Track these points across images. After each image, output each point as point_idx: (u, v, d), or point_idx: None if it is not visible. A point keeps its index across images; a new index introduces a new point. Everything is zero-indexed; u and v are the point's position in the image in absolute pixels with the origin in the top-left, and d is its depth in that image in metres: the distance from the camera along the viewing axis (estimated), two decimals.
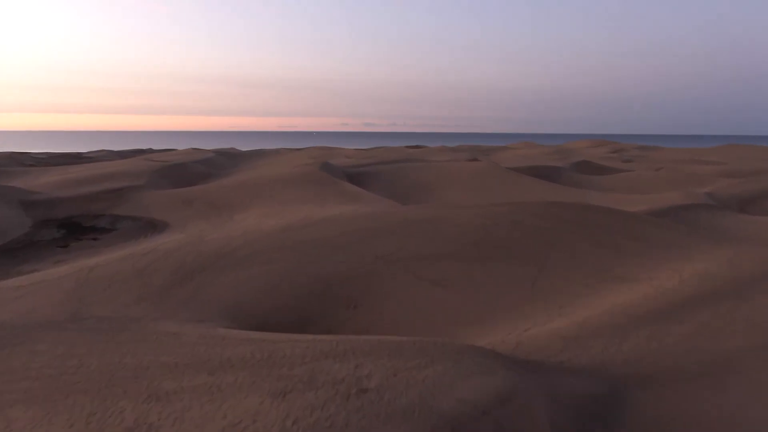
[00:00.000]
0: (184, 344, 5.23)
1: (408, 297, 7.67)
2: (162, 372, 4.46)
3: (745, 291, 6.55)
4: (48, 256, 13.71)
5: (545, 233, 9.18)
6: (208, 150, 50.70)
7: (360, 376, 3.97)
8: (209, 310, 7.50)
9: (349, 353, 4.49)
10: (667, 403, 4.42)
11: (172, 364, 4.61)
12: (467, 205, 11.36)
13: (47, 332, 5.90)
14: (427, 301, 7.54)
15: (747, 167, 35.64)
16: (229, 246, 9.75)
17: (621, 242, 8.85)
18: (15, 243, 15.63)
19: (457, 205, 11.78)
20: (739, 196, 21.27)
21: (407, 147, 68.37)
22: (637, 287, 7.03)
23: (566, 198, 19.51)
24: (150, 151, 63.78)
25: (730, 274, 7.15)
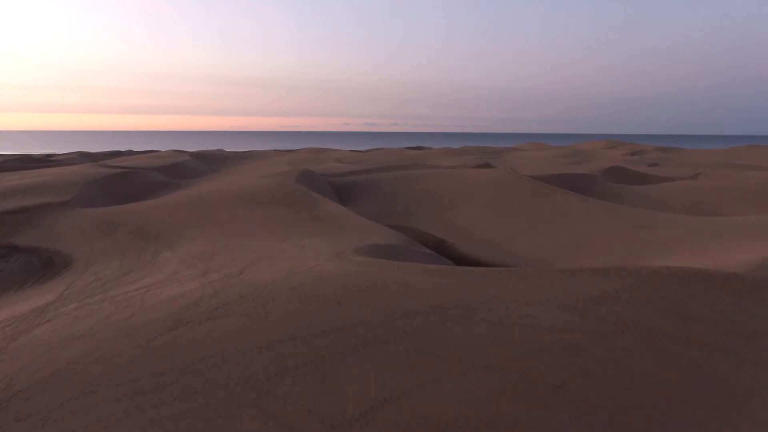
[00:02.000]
0: None
1: None
2: None
3: None
4: None
5: (706, 361, 4.12)
6: (188, 152, 45.86)
7: None
8: None
9: None
10: None
11: None
12: (525, 273, 6.11)
13: None
14: None
15: None
16: (28, 380, 4.70)
17: None
18: None
19: (506, 271, 6.49)
20: None
21: (408, 149, 63.49)
22: None
23: (621, 224, 14.46)
24: (130, 152, 58.86)
25: None
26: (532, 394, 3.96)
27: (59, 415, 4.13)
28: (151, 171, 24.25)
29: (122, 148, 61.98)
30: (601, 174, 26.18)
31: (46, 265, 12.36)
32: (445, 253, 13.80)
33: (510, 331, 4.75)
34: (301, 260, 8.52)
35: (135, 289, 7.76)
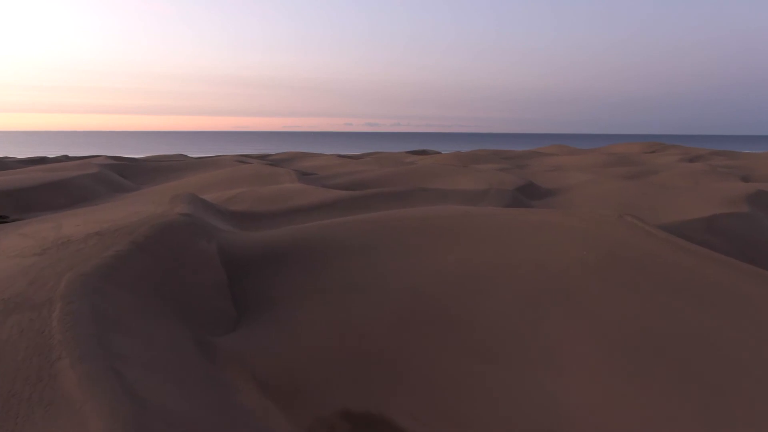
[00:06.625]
0: None
1: None
2: None
3: None
4: None
5: None
6: (108, 160, 34.72)
7: None
8: None
9: None
10: None
11: None
12: None
13: None
14: None
15: None
16: None
17: None
18: None
19: None
20: None
21: (410, 153, 52.22)
22: None
23: None
24: (65, 158, 47.36)
25: None
26: None
27: None
28: None
29: (40, 155, 50.44)
30: (750, 208, 14.72)
31: None
32: None
33: None
34: None
35: None
